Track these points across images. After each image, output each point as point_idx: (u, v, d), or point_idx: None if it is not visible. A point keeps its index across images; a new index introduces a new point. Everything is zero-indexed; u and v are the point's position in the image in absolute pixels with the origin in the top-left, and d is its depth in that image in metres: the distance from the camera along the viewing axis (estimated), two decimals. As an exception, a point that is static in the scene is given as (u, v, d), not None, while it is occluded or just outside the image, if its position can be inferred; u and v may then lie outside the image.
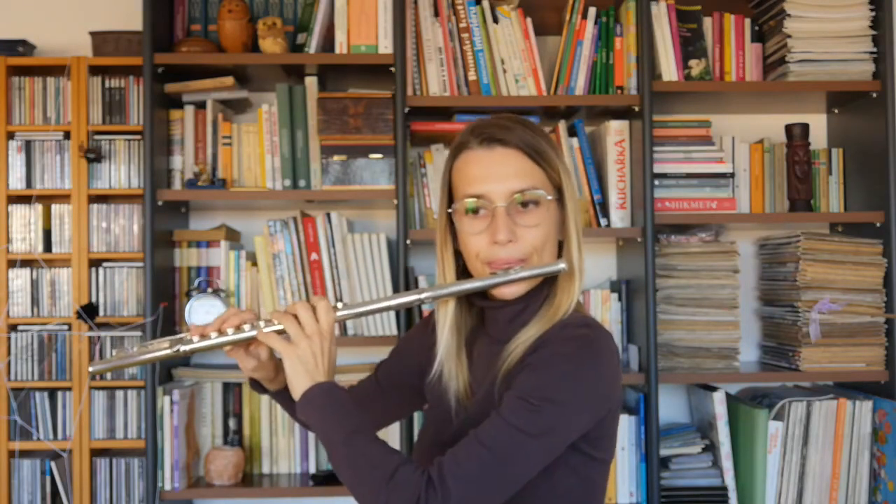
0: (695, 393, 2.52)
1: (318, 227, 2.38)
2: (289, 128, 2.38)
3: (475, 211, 1.25)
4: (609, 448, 1.27)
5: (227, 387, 2.47)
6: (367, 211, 2.61)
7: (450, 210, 1.30)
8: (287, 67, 2.41)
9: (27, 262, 2.44)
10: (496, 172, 1.24)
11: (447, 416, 1.32)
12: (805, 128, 2.44)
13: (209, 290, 2.40)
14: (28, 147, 2.44)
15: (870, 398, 2.33)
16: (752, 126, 2.64)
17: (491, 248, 1.24)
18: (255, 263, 2.44)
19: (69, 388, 2.41)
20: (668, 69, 2.38)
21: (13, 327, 2.43)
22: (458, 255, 1.32)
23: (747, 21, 2.49)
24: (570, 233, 1.28)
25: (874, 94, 2.37)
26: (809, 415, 2.33)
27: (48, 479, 2.39)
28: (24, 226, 2.44)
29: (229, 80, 2.39)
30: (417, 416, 2.34)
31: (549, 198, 1.26)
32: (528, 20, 2.40)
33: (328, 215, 2.38)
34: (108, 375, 2.41)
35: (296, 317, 1.23)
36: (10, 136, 2.45)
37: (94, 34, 2.46)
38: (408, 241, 2.29)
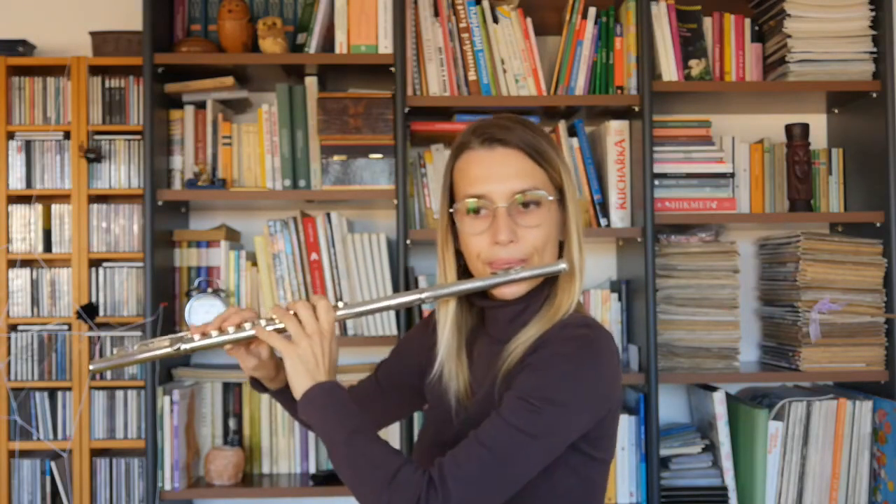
0: (695, 393, 2.52)
1: (318, 227, 2.38)
2: (289, 128, 2.38)
3: (476, 211, 1.25)
4: (609, 448, 1.27)
5: (227, 387, 2.47)
6: (367, 211, 2.61)
7: (451, 210, 1.30)
8: (287, 67, 2.41)
9: (27, 262, 2.44)
10: (497, 173, 1.24)
11: (447, 416, 1.32)
12: (805, 128, 2.44)
13: (209, 290, 2.40)
14: (28, 147, 2.44)
15: (870, 398, 2.34)
16: (752, 126, 2.64)
17: (492, 248, 1.24)
18: (255, 263, 2.44)
19: (69, 388, 2.41)
20: (668, 69, 2.38)
21: (13, 327, 2.43)
22: (460, 255, 1.32)
23: (747, 21, 2.49)
24: (571, 233, 1.29)
25: (874, 94, 2.37)
26: (809, 415, 2.33)
27: (48, 479, 2.39)
28: (24, 226, 2.44)
29: (229, 80, 2.39)
30: (417, 416, 2.34)
31: (551, 198, 1.26)
32: (528, 20, 2.40)
33: (328, 215, 2.38)
34: (108, 375, 2.41)
35: (297, 315, 1.23)
36: (10, 136, 2.45)
37: (94, 34, 2.46)
38: (408, 241, 2.29)
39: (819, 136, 2.62)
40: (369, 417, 1.30)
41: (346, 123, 2.33)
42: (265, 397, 2.44)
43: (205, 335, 1.28)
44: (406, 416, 2.15)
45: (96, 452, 2.42)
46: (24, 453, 2.41)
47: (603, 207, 2.42)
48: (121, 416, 2.41)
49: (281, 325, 1.25)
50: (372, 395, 1.50)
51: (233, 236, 2.53)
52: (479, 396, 1.28)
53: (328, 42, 2.40)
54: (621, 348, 2.42)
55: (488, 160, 1.26)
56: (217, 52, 2.39)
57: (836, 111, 2.61)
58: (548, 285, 1.28)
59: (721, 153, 2.43)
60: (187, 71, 2.39)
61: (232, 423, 2.44)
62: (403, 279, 2.28)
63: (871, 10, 2.38)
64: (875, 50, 2.38)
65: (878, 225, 2.36)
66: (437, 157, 2.41)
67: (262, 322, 1.27)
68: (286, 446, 2.45)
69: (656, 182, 2.36)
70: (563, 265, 1.24)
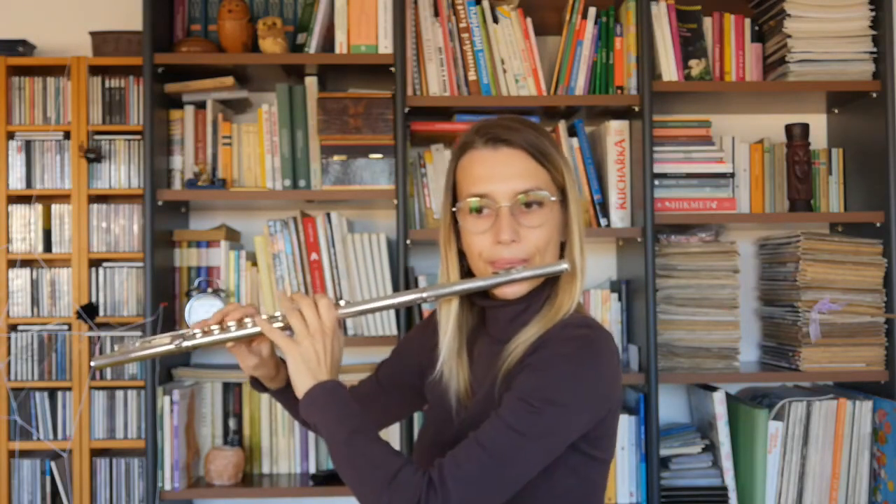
0: (695, 393, 2.52)
1: (318, 227, 2.38)
2: (289, 128, 2.38)
3: (479, 210, 1.25)
4: (609, 448, 1.27)
5: (227, 387, 2.47)
6: (367, 211, 2.61)
7: (454, 209, 1.30)
8: (287, 67, 2.41)
9: (27, 262, 2.44)
10: (501, 172, 1.25)
11: (447, 416, 1.32)
12: (805, 128, 2.44)
13: (209, 290, 2.40)
14: (28, 147, 2.44)
15: (870, 398, 2.34)
16: (752, 126, 2.64)
17: (494, 247, 1.24)
18: (255, 263, 2.44)
19: (69, 388, 2.41)
20: (668, 69, 2.38)
21: (13, 327, 2.43)
22: (462, 255, 1.32)
23: (747, 21, 2.49)
24: (573, 234, 1.29)
25: (874, 94, 2.37)
26: (809, 415, 2.33)
27: (48, 479, 2.39)
28: (24, 226, 2.44)
29: (229, 80, 2.39)
30: (417, 416, 2.34)
31: (553, 199, 1.26)
32: (528, 20, 2.40)
33: (328, 215, 2.38)
34: (108, 375, 2.41)
35: (300, 312, 1.23)
36: (10, 136, 2.45)
37: (94, 34, 2.46)
38: (408, 241, 2.29)
39: (819, 136, 2.62)
40: (370, 417, 1.30)
41: (346, 123, 2.33)
42: (265, 397, 2.44)
43: (206, 332, 1.28)
44: (406, 417, 2.15)
45: (96, 452, 2.42)
46: (24, 453, 2.41)
47: (603, 207, 2.42)
48: (121, 416, 2.41)
49: (283, 324, 1.25)
50: (372, 395, 1.50)
51: (233, 236, 2.53)
52: (479, 396, 1.28)
53: (328, 42, 2.40)
54: (621, 348, 2.42)
55: (492, 160, 1.26)
56: (217, 52, 2.39)
57: (836, 111, 2.61)
58: (549, 285, 1.29)
59: (721, 153, 2.43)
60: (187, 71, 2.38)
61: (232, 423, 2.44)
62: (403, 279, 2.28)
63: (871, 10, 2.38)
64: (875, 50, 2.38)
65: (878, 225, 2.36)
66: (437, 157, 2.41)
67: (263, 317, 1.27)
68: (286, 446, 2.45)
69: (656, 182, 2.36)
70: (564, 265, 1.24)
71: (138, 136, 2.44)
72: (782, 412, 2.33)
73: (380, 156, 2.34)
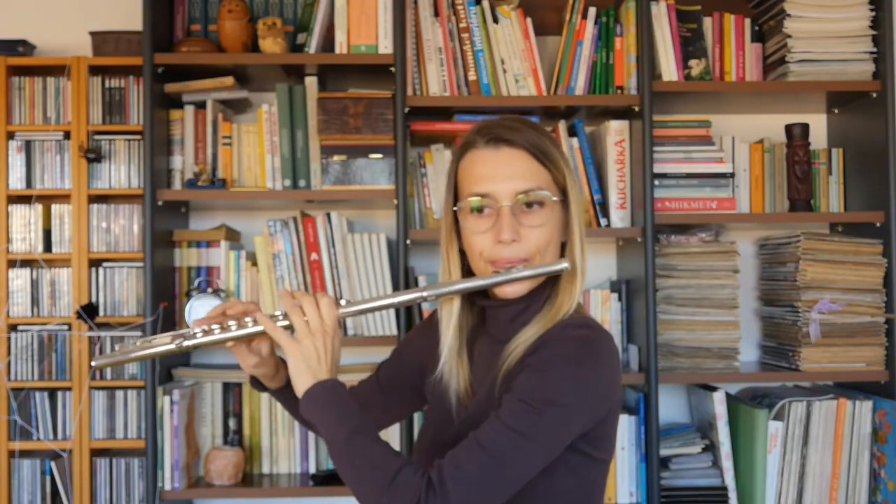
0: (695, 393, 2.52)
1: (318, 227, 2.38)
2: (289, 128, 2.38)
3: (480, 210, 1.26)
4: (609, 448, 1.27)
5: (227, 387, 2.47)
6: (367, 211, 2.61)
7: (455, 208, 1.30)
8: (287, 67, 2.41)
9: (27, 262, 2.44)
10: (502, 172, 1.25)
11: (448, 416, 1.32)
12: (805, 128, 2.44)
13: (209, 290, 2.40)
14: (28, 147, 2.44)
15: (870, 398, 2.34)
16: (752, 126, 2.64)
17: (495, 246, 1.24)
18: (255, 263, 2.44)
19: (69, 388, 2.41)
20: (668, 69, 2.38)
21: (13, 327, 2.43)
22: (463, 254, 1.32)
23: (747, 21, 2.49)
24: (574, 234, 1.29)
25: (874, 94, 2.37)
26: (809, 415, 2.33)
27: (48, 479, 2.39)
28: (24, 226, 2.44)
29: (229, 80, 2.39)
30: (417, 417, 2.34)
31: (554, 199, 1.26)
32: (528, 20, 2.40)
33: (328, 215, 2.38)
34: (108, 375, 2.41)
35: (302, 310, 1.23)
36: (10, 136, 2.45)
37: (94, 34, 2.46)
38: (408, 241, 2.29)
39: (819, 136, 2.62)
40: (370, 418, 1.30)
41: (346, 123, 2.33)
42: (265, 397, 2.45)
43: (207, 332, 1.28)
44: (407, 417, 2.15)
45: (96, 452, 2.42)
46: (24, 453, 2.41)
47: (603, 207, 2.42)
48: (121, 416, 2.41)
49: (283, 322, 1.25)
50: (373, 395, 1.50)
51: (233, 236, 2.53)
52: (479, 396, 1.28)
53: (328, 42, 2.40)
54: (621, 348, 2.42)
55: (493, 160, 1.26)
56: (217, 52, 2.39)
57: (836, 111, 2.61)
58: (549, 285, 1.29)
59: (721, 153, 2.43)
60: (187, 71, 2.38)
61: (232, 423, 2.44)
62: (403, 279, 2.28)
63: (871, 10, 2.39)
64: (875, 50, 2.38)
65: (878, 225, 2.36)
66: (437, 157, 2.41)
67: (264, 315, 1.27)
68: (286, 446, 2.45)
69: (656, 182, 2.36)
70: (564, 264, 1.24)
71: (138, 136, 2.44)
72: (782, 412, 2.33)
73: (380, 156, 2.34)
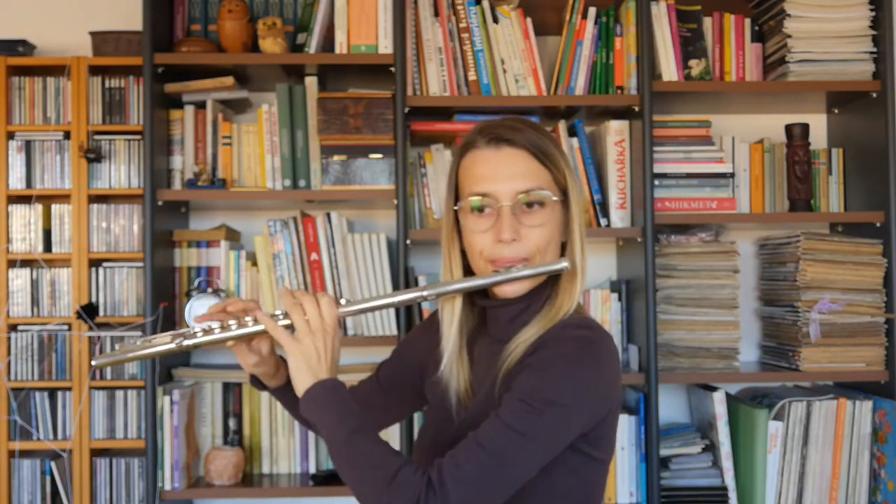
0: (695, 393, 2.52)
1: (318, 227, 2.38)
2: (289, 128, 2.38)
3: (480, 209, 1.26)
4: (609, 448, 1.27)
5: (227, 387, 2.47)
6: (367, 211, 2.61)
7: (455, 208, 1.30)
8: (287, 67, 2.41)
9: (27, 262, 2.44)
10: (503, 172, 1.25)
11: (448, 416, 1.32)
12: (805, 128, 2.44)
13: (209, 290, 2.40)
14: (28, 147, 2.44)
15: (870, 398, 2.34)
16: (752, 126, 2.64)
17: (495, 246, 1.24)
18: (255, 263, 2.44)
19: (69, 388, 2.41)
20: (668, 69, 2.38)
21: (13, 327, 2.43)
22: (465, 254, 1.33)
23: (747, 21, 2.49)
24: (574, 234, 1.29)
25: (874, 94, 2.37)
26: (809, 415, 2.33)
27: (48, 479, 2.39)
28: (24, 226, 2.44)
29: (229, 80, 2.39)
30: (417, 417, 2.34)
31: (555, 199, 1.26)
32: (528, 20, 2.40)
33: (328, 215, 2.38)
34: (108, 375, 2.41)
35: (302, 309, 1.23)
36: (10, 136, 2.45)
37: (94, 34, 2.46)
38: (408, 241, 2.29)
39: (819, 136, 2.62)
40: (370, 418, 1.30)
41: (346, 123, 2.33)
42: (265, 397, 2.45)
43: (207, 331, 1.28)
44: (407, 417, 2.15)
45: (96, 452, 2.42)
46: (24, 453, 2.41)
47: (603, 207, 2.42)
48: (121, 416, 2.41)
49: (284, 321, 1.25)
50: (373, 395, 1.50)
51: (233, 236, 2.53)
52: (479, 397, 1.28)
53: (328, 42, 2.40)
54: (621, 348, 2.42)
55: (494, 159, 1.26)
56: (217, 52, 2.39)
57: (836, 111, 2.61)
58: (549, 285, 1.29)
59: (721, 153, 2.43)
60: (187, 71, 2.38)
61: (232, 423, 2.44)
62: (403, 279, 2.28)
63: (871, 10, 2.39)
64: (875, 50, 2.38)
65: (878, 225, 2.36)
66: (437, 157, 2.41)
67: (264, 313, 1.28)
68: (286, 446, 2.45)
69: (656, 182, 2.36)
70: (564, 263, 1.24)
71: (138, 136, 2.44)
72: (782, 412, 2.33)
73: (380, 156, 2.34)
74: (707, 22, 2.47)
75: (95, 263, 2.44)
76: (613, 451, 1.30)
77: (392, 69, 2.32)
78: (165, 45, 2.42)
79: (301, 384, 1.21)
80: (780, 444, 2.32)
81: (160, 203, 2.33)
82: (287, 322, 1.25)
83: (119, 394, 2.41)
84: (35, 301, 2.43)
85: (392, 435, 2.33)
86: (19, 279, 2.43)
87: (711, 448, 2.38)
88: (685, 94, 2.42)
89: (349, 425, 1.16)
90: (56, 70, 2.44)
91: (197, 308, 2.29)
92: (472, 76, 2.37)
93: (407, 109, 2.33)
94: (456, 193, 1.31)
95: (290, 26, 2.49)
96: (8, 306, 2.41)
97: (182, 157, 2.44)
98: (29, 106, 2.46)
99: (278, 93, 2.38)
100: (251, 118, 2.60)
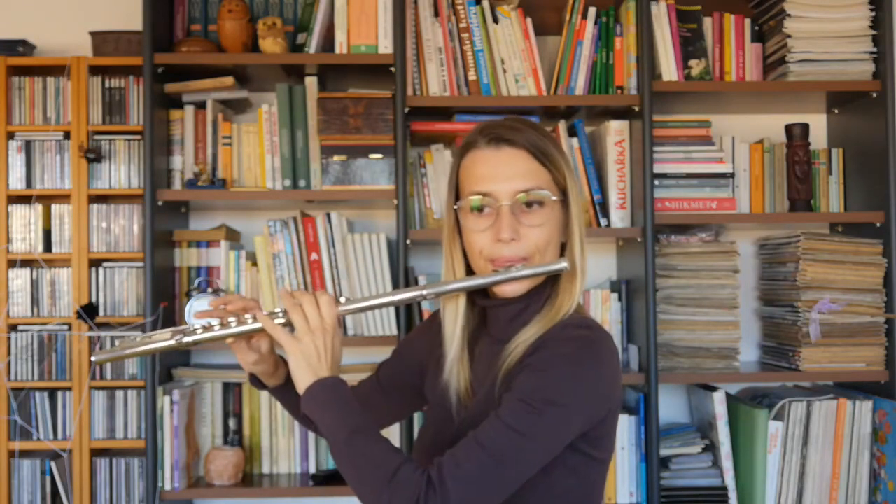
0: (695, 393, 2.52)
1: (318, 227, 2.38)
2: (289, 128, 2.38)
3: (480, 209, 1.26)
4: (608, 448, 1.27)
5: (227, 387, 2.47)
6: (367, 211, 2.61)
7: (455, 207, 1.30)
8: (287, 67, 2.41)
9: (27, 262, 2.44)
10: (503, 172, 1.25)
11: (448, 416, 1.32)
12: (805, 128, 2.44)
13: (209, 290, 2.40)
14: (28, 147, 2.44)
15: (870, 398, 2.34)
16: (752, 126, 2.64)
17: (494, 245, 1.25)
18: (255, 263, 2.44)
19: (69, 388, 2.41)
20: (668, 69, 2.38)
21: (13, 327, 2.43)
22: (466, 254, 1.33)
23: (747, 21, 2.49)
24: (574, 234, 1.29)
25: (874, 94, 2.37)
26: (809, 415, 2.33)
27: (48, 479, 2.39)
28: (24, 226, 2.44)
29: (229, 80, 2.39)
30: (417, 417, 2.34)
31: (554, 198, 1.26)
32: (528, 20, 2.40)
33: (328, 215, 2.38)
34: (108, 375, 2.41)
35: (301, 309, 1.23)
36: (10, 136, 2.45)
37: (94, 34, 2.46)
38: (408, 241, 2.29)
39: (819, 136, 2.62)
40: (371, 416, 1.30)
41: (346, 123, 2.33)
42: (265, 397, 2.44)
43: (207, 328, 1.29)
44: (407, 417, 2.15)
45: (96, 452, 2.42)
46: (24, 453, 2.41)
47: (603, 207, 2.42)
48: (121, 416, 2.41)
49: (283, 320, 1.25)
50: (373, 395, 1.50)
51: (233, 236, 2.53)
52: (479, 396, 1.28)
53: (328, 42, 2.40)
54: (621, 348, 2.42)
55: (494, 159, 1.26)
56: (217, 52, 2.39)
57: (836, 111, 2.61)
58: (549, 285, 1.29)
59: (721, 153, 2.43)
60: (187, 71, 2.38)
61: (232, 423, 2.44)
62: (403, 279, 2.28)
63: (871, 10, 2.38)
64: (875, 50, 2.38)
65: (878, 225, 2.36)
66: (437, 157, 2.41)
67: (264, 312, 1.28)
68: (286, 446, 2.45)
69: (656, 182, 2.36)
70: (564, 263, 1.24)
71: (138, 136, 2.44)
72: (782, 412, 2.33)
73: (380, 156, 2.34)
74: (707, 22, 2.47)
75: (95, 263, 2.44)
76: (613, 451, 1.30)
77: (392, 69, 2.32)
78: (165, 45, 2.42)
79: (301, 382, 1.21)
80: (780, 444, 2.32)
81: (160, 203, 2.33)
82: (287, 321, 1.25)
83: (119, 394, 2.41)
84: (35, 301, 2.43)
85: (392, 435, 2.33)
86: (19, 279, 2.43)
87: (711, 448, 2.38)
88: (685, 94, 2.42)
89: (350, 424, 1.16)
90: (56, 70, 2.44)
91: (197, 308, 2.30)
92: (472, 76, 2.37)
93: (407, 109, 2.33)
94: (456, 193, 1.31)
95: (290, 26, 2.49)
96: (8, 306, 2.41)
97: (182, 157, 2.44)
98: (29, 106, 2.46)
99: (278, 93, 2.38)
100: (251, 118, 2.60)
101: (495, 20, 2.39)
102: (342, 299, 1.28)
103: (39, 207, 2.44)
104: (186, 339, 1.28)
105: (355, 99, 2.34)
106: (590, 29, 2.39)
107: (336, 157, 2.34)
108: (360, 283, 2.38)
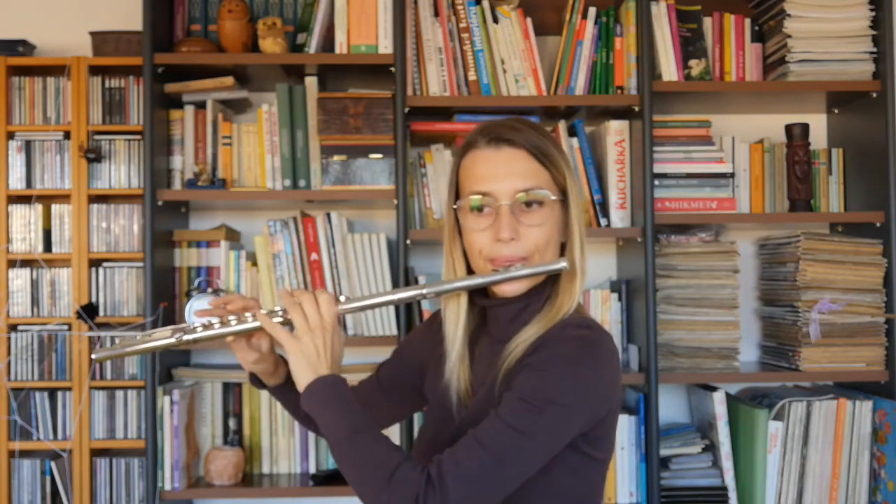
0: (695, 393, 2.52)
1: (318, 227, 2.38)
2: (289, 128, 2.38)
3: (480, 209, 1.26)
4: (608, 448, 1.27)
5: (227, 387, 2.47)
6: (367, 211, 2.61)
7: (455, 206, 1.30)
8: (287, 67, 2.41)
9: (27, 262, 2.44)
10: (502, 172, 1.25)
11: (448, 415, 1.32)
12: (805, 128, 2.44)
13: (209, 290, 2.40)
14: (28, 147, 2.44)
15: (870, 398, 2.33)
16: (752, 126, 2.64)
17: (494, 245, 1.25)
18: (255, 263, 2.43)
19: (69, 388, 2.41)
20: (668, 69, 2.38)
21: (13, 327, 2.43)
22: (466, 254, 1.33)
23: (747, 21, 2.49)
24: (574, 234, 1.29)
25: (874, 94, 2.37)
26: (809, 415, 2.33)
27: (48, 479, 2.39)
28: (24, 226, 2.44)
29: (229, 80, 2.39)
30: (417, 416, 2.34)
31: (554, 198, 1.26)
32: (528, 20, 2.40)
33: (328, 215, 2.38)
34: (108, 375, 2.41)
35: (301, 308, 1.23)
36: (10, 136, 2.45)
37: (94, 34, 2.46)
38: (408, 241, 2.29)
39: (819, 136, 2.62)
40: (371, 415, 1.30)
41: (346, 123, 2.33)
42: (265, 397, 2.44)
43: (207, 326, 1.29)
44: (407, 417, 2.15)
45: (96, 452, 2.42)
46: (24, 453, 2.41)
47: (603, 207, 2.42)
48: (121, 416, 2.41)
49: (283, 319, 1.26)
50: (373, 395, 1.50)
51: (233, 236, 2.53)
52: (479, 396, 1.28)
53: (328, 42, 2.40)
54: (621, 348, 2.42)
55: (494, 159, 1.26)
56: (217, 52, 2.39)
57: (836, 111, 2.61)
58: (549, 285, 1.29)
59: (721, 153, 2.43)
60: (187, 71, 2.39)
61: (232, 423, 2.44)
62: (403, 279, 2.28)
63: (871, 10, 2.39)
64: (875, 50, 2.38)
65: (878, 225, 2.36)
66: (437, 157, 2.41)
67: (263, 311, 1.28)
68: (286, 446, 2.45)
69: (656, 182, 2.36)
70: (563, 263, 1.24)
71: (138, 136, 2.44)
72: (782, 412, 2.33)
73: (380, 156, 2.34)
74: (707, 22, 2.47)
75: (95, 263, 2.44)
76: (613, 451, 1.30)
77: (392, 69, 2.32)
78: (165, 45, 2.42)
79: (302, 381, 1.21)
80: (780, 444, 2.32)
81: (160, 203, 2.33)
82: (287, 320, 1.25)
83: (119, 394, 2.41)
84: (35, 301, 2.43)
85: (392, 435, 2.33)
86: (19, 279, 2.43)
87: (711, 448, 2.38)
88: (685, 94, 2.42)
89: (350, 422, 1.16)
90: (56, 70, 2.44)
91: (197, 307, 2.30)
92: (472, 76, 2.37)
93: (407, 109, 2.33)
94: (457, 193, 1.32)
95: (290, 26, 2.49)
96: (8, 306, 2.41)
97: (182, 157, 2.44)
98: (29, 106, 2.46)
99: (278, 93, 2.38)
100: (251, 118, 2.60)
101: (495, 20, 2.39)
102: (342, 298, 1.28)
103: (39, 207, 2.44)
104: (187, 337, 1.29)
105: (355, 99, 2.34)
106: (590, 29, 2.39)
107: (336, 157, 2.34)
108: (360, 283, 2.38)
